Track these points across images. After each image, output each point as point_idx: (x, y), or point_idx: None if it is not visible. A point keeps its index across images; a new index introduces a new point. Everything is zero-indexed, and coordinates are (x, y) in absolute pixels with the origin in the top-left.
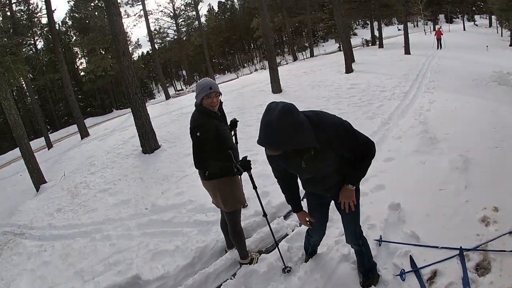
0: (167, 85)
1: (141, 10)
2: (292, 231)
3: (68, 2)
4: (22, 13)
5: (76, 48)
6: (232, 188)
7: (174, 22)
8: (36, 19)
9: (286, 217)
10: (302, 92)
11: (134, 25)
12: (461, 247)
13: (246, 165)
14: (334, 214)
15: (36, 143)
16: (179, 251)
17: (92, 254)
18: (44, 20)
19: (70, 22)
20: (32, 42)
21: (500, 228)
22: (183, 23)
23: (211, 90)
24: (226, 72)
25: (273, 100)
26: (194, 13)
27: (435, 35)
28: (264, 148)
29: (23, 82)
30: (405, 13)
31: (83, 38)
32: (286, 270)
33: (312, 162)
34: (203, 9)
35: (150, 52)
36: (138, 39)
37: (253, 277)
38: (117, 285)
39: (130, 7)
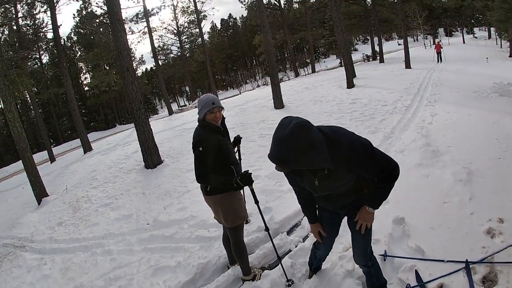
0: (170, 101)
1: (145, 27)
2: (296, 247)
3: (74, 18)
4: (28, 28)
5: (80, 63)
6: (233, 203)
7: (177, 39)
8: (41, 33)
9: (289, 232)
10: (304, 107)
11: (138, 42)
12: (467, 260)
13: (246, 179)
14: (340, 229)
15: (39, 156)
16: (181, 267)
17: (92, 268)
18: (50, 35)
19: (75, 38)
20: (38, 56)
21: (506, 239)
22: (186, 40)
23: (214, 106)
24: (228, 88)
25: (275, 115)
26: (197, 30)
27: (435, 49)
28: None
29: (28, 96)
30: (404, 27)
31: (88, 53)
32: (288, 284)
33: (326, 181)
34: (206, 27)
35: (153, 68)
36: (142, 55)
37: None
38: None
39: (135, 24)
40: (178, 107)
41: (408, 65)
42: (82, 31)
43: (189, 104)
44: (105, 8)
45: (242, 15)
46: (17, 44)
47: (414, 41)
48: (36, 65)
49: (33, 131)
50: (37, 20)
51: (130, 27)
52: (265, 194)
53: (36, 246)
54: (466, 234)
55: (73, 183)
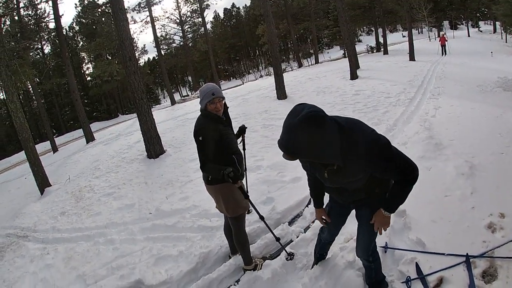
0: (173, 90)
1: (147, 16)
2: (297, 237)
3: (76, 7)
4: (30, 18)
5: (82, 53)
6: (234, 193)
7: (180, 28)
8: (43, 24)
9: (291, 223)
10: (307, 98)
11: (141, 31)
12: (467, 254)
13: (227, 178)
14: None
15: (42, 147)
16: (183, 256)
17: (95, 258)
18: (52, 25)
19: (77, 28)
20: (39, 46)
21: (507, 234)
22: (189, 29)
23: (214, 96)
24: (231, 78)
25: (278, 106)
26: (200, 19)
27: (439, 42)
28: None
29: (30, 86)
30: (409, 19)
31: (90, 43)
32: (289, 258)
33: (335, 176)
34: (209, 16)
35: (156, 58)
36: (144, 45)
37: (257, 283)
38: None
39: (137, 13)
40: (181, 97)
41: (412, 58)
42: (84, 20)
43: (192, 94)
44: None
45: (245, 5)
46: (18, 35)
47: (419, 33)
48: (38, 56)
49: (35, 121)
50: (39, 10)
51: (132, 17)
52: (267, 184)
53: (39, 235)
54: (467, 228)
55: (75, 173)
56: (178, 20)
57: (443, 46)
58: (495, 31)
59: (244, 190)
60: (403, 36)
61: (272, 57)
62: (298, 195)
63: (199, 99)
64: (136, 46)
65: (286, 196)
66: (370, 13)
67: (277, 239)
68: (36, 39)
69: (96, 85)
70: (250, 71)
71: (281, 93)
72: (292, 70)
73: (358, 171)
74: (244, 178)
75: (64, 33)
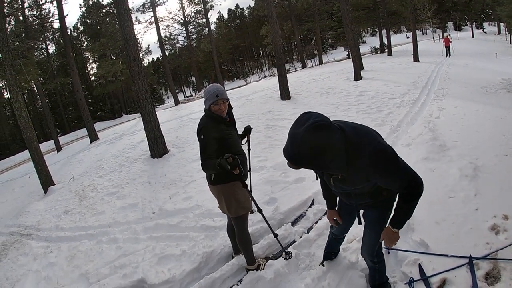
0: (177, 91)
1: (152, 17)
2: (300, 238)
3: (80, 8)
4: (35, 18)
5: (87, 53)
6: (236, 193)
7: (184, 29)
8: (48, 24)
9: (294, 223)
10: (311, 99)
11: (145, 32)
12: (470, 255)
13: (226, 163)
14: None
15: (46, 146)
16: (186, 255)
17: (98, 256)
18: (56, 25)
19: (81, 28)
20: (44, 46)
21: (510, 236)
22: (193, 30)
23: (218, 98)
24: (235, 78)
25: (281, 106)
26: (204, 20)
27: (443, 43)
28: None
29: (34, 85)
30: (413, 20)
31: (94, 43)
32: (288, 257)
33: (340, 183)
34: (213, 17)
35: (160, 58)
36: (148, 45)
37: (259, 283)
38: None
39: (141, 13)
40: (184, 97)
41: (416, 59)
42: (88, 21)
43: (195, 94)
44: None
45: (249, 5)
46: (23, 34)
47: (423, 34)
48: (42, 55)
49: (39, 120)
50: (44, 10)
51: (136, 17)
52: (270, 184)
53: (42, 234)
54: (471, 230)
55: (79, 172)
56: (182, 21)
57: (447, 47)
58: (499, 32)
59: (243, 180)
60: (407, 37)
61: (276, 57)
62: (301, 195)
63: (203, 100)
64: (140, 46)
65: (289, 196)
66: (374, 14)
67: (275, 235)
68: (41, 39)
69: (100, 85)
70: (254, 71)
71: (285, 94)
72: (296, 71)
73: (362, 180)
74: (248, 178)
75: (69, 33)
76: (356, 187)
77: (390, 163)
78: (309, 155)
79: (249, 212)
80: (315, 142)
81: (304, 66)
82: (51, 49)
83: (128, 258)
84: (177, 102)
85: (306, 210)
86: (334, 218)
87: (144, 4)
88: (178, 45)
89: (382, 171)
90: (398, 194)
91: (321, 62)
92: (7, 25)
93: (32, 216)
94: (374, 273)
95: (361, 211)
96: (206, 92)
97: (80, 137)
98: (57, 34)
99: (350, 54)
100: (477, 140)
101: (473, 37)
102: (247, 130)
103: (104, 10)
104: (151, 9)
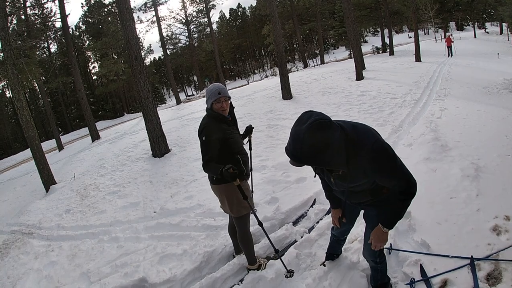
0: (178, 90)
1: (153, 16)
2: (301, 237)
3: (82, 7)
4: (37, 17)
5: (89, 52)
6: (237, 193)
7: (186, 28)
8: (50, 23)
9: (295, 223)
10: (312, 98)
11: (147, 31)
12: (472, 256)
13: (226, 174)
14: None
15: (47, 145)
16: (187, 255)
17: (99, 255)
18: (58, 24)
19: (83, 27)
20: (46, 45)
21: None
22: (195, 29)
23: (220, 95)
24: (236, 78)
25: (283, 106)
26: (205, 19)
27: (445, 43)
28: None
29: (36, 84)
30: (415, 20)
31: (96, 42)
32: (289, 275)
33: (341, 180)
34: (214, 16)
35: (162, 57)
36: (150, 44)
37: (260, 283)
38: (124, 287)
39: (143, 13)
40: (186, 96)
41: (418, 58)
42: (90, 20)
43: (197, 93)
44: None
45: (251, 5)
46: (25, 33)
47: (425, 34)
48: (44, 54)
49: (41, 119)
50: (45, 10)
51: (138, 16)
52: (271, 184)
53: (44, 233)
54: (472, 231)
55: (81, 171)
56: (184, 20)
57: (449, 47)
58: (501, 32)
59: (243, 191)
60: (409, 37)
61: (277, 57)
62: (302, 195)
63: (204, 99)
64: (142, 45)
65: (291, 196)
66: (376, 13)
67: (276, 251)
68: (43, 38)
69: (102, 84)
70: (256, 71)
71: (287, 93)
72: (297, 70)
73: (362, 177)
74: (250, 178)
75: (71, 32)
76: (356, 184)
77: (388, 161)
78: (311, 152)
79: (251, 211)
80: (316, 139)
81: (305, 65)
82: (53, 48)
83: (129, 257)
84: (178, 102)
85: (308, 210)
86: (339, 217)
87: (146, 3)
88: (180, 45)
89: (380, 168)
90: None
91: (322, 62)
92: (9, 24)
93: (33, 215)
94: (376, 274)
95: (361, 212)
96: (208, 90)
97: (82, 136)
98: (59, 33)
99: (352, 54)
100: (479, 140)
101: (475, 37)
102: (249, 130)
103: (106, 9)
104: (153, 8)
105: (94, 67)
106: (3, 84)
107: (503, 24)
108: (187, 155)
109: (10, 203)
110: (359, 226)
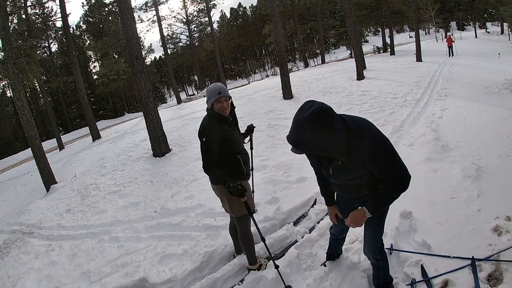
0: (179, 89)
1: (154, 15)
2: (302, 238)
3: (83, 6)
4: (37, 16)
5: (89, 52)
6: None
7: (186, 27)
8: (50, 22)
9: (296, 223)
10: (313, 98)
11: (147, 30)
12: (473, 257)
13: (235, 191)
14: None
15: (48, 144)
16: (187, 255)
17: (99, 255)
18: (59, 24)
19: (84, 26)
20: (47, 45)
21: None
22: (195, 29)
23: (220, 95)
24: (237, 77)
25: (284, 106)
26: (206, 19)
27: (446, 42)
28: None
29: (37, 84)
30: (416, 20)
31: (97, 42)
32: None
33: (339, 171)
34: (215, 16)
35: (162, 57)
36: (151, 44)
37: (261, 283)
38: (124, 287)
39: (144, 12)
40: (187, 96)
41: (419, 58)
42: (91, 19)
43: (198, 93)
44: None
45: (252, 4)
46: (26, 33)
47: (426, 34)
48: (45, 54)
49: (42, 119)
50: (46, 9)
51: (139, 16)
52: (272, 184)
53: (44, 232)
54: (473, 231)
55: (81, 170)
56: (184, 20)
57: (450, 47)
58: (502, 32)
59: (250, 208)
60: (410, 37)
61: (278, 56)
62: (303, 195)
63: (205, 98)
64: (142, 45)
65: (292, 196)
66: (377, 13)
67: (276, 266)
68: (43, 37)
69: (103, 83)
70: (256, 70)
71: (287, 93)
72: (298, 70)
73: (360, 168)
74: (250, 177)
75: (71, 31)
76: (354, 176)
77: (386, 153)
78: (312, 139)
79: (252, 211)
80: (318, 125)
81: (306, 65)
82: (54, 47)
83: (130, 257)
84: (179, 101)
85: (308, 210)
86: (336, 214)
87: (146, 2)
88: (181, 44)
89: (378, 159)
90: (385, 183)
91: (323, 61)
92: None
93: (34, 215)
94: (378, 272)
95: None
96: (208, 90)
97: (83, 136)
98: (59, 32)
99: (353, 54)
100: (480, 140)
101: (476, 37)
102: (250, 129)
103: (106, 9)
104: (154, 8)
105: (94, 67)
106: (4, 83)
107: (504, 24)
108: (187, 154)
109: (10, 202)
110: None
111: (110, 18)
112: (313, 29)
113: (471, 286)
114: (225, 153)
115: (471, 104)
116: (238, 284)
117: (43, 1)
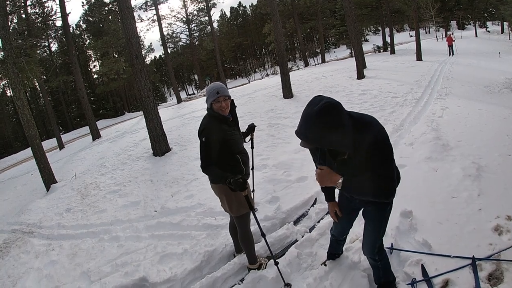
0: (179, 89)
1: (154, 14)
2: (302, 237)
3: (83, 5)
4: (37, 16)
5: (89, 51)
6: (237, 192)
7: (186, 27)
8: (50, 21)
9: (296, 223)
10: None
11: (147, 30)
12: (473, 256)
13: (236, 184)
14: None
15: (48, 144)
16: (187, 254)
17: (99, 254)
18: (59, 23)
19: (84, 26)
20: (46, 44)
21: None
22: (195, 28)
23: (219, 95)
24: (237, 77)
25: (284, 105)
26: (206, 18)
27: (446, 42)
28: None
29: (37, 83)
30: (416, 19)
31: (97, 41)
32: None
33: (344, 166)
34: (215, 15)
35: (162, 56)
36: (151, 43)
37: (261, 283)
38: (124, 286)
39: (144, 11)
40: (187, 95)
41: (419, 57)
42: (91, 18)
43: (198, 92)
44: None
45: (252, 4)
46: (26, 32)
47: (426, 33)
48: (45, 53)
49: (42, 118)
50: (46, 8)
51: (139, 15)
52: (272, 183)
53: (44, 232)
54: (474, 230)
55: (81, 170)
56: (184, 19)
57: (450, 46)
58: (502, 31)
59: (250, 201)
60: (410, 36)
61: (278, 56)
62: (303, 194)
63: (205, 98)
64: (142, 44)
65: (292, 195)
66: (377, 12)
67: (276, 263)
68: (43, 37)
69: (103, 82)
70: (256, 70)
71: (287, 92)
72: (298, 69)
73: (363, 164)
74: (250, 177)
75: (71, 31)
76: (358, 172)
77: (387, 153)
78: (320, 132)
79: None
80: (327, 119)
81: (306, 64)
82: (54, 47)
83: (130, 256)
84: (179, 100)
85: (309, 209)
86: (335, 211)
87: (146, 2)
88: (181, 43)
89: (379, 155)
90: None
91: (323, 61)
92: (9, 23)
93: (34, 214)
94: (377, 271)
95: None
96: (207, 90)
97: (83, 135)
98: (59, 32)
99: (353, 53)
100: (481, 139)
101: (476, 36)
102: (251, 128)
103: (106, 8)
104: (154, 7)
105: (94, 66)
106: (3, 83)
107: (504, 23)
108: (187, 154)
109: (10, 202)
110: (360, 226)
111: (110, 17)
112: (313, 28)
113: (472, 285)
114: (225, 153)
115: (471, 103)
116: (238, 284)
117: (43, 1)
